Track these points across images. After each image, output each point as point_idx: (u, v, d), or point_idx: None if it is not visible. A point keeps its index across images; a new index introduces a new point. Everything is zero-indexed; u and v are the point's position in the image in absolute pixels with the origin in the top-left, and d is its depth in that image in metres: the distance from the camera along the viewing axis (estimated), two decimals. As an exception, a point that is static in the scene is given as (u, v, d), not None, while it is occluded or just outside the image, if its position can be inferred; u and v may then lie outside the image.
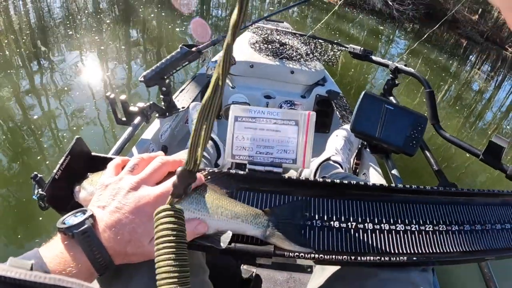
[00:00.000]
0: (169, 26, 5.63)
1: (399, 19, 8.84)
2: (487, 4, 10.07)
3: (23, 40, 4.38)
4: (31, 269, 0.33)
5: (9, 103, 3.00)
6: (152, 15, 6.14)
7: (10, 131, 2.72)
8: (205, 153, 1.14)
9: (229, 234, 0.50)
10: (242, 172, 0.59)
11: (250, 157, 0.59)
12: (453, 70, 7.03)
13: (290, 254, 0.51)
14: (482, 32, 9.94)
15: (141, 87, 3.50)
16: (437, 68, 6.64)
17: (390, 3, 8.93)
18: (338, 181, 0.59)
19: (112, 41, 4.72)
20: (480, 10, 10.37)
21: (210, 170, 0.57)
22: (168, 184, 0.48)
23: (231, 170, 0.59)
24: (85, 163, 0.61)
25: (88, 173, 0.57)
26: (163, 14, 6.25)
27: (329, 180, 0.59)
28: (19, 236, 1.85)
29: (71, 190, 0.56)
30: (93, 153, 0.63)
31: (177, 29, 5.53)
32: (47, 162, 2.44)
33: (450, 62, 7.39)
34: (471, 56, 8.82)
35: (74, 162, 0.58)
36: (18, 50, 4.08)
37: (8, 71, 3.49)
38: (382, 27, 8.47)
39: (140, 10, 6.30)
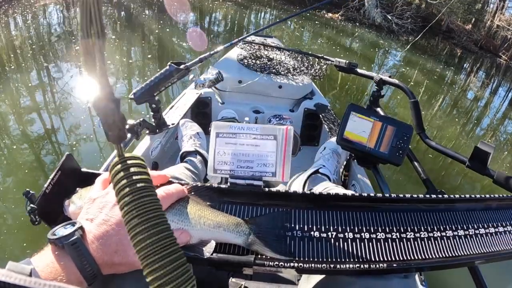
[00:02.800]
0: (176, 42, 5.72)
1: (398, 32, 9.01)
2: (480, 14, 10.26)
3: (23, 55, 4.40)
4: (30, 274, 0.34)
5: (7, 118, 3.02)
6: (157, 31, 6.21)
7: (6, 147, 2.72)
8: (193, 169, 1.15)
9: (212, 244, 0.52)
10: (224, 186, 0.60)
11: (231, 171, 0.60)
12: (449, 79, 7.12)
13: (270, 263, 0.52)
14: (476, 41, 10.11)
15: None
16: (433, 78, 6.72)
17: (390, 18, 9.10)
18: (317, 192, 0.60)
19: (114, 57, 4.76)
20: (473, 19, 10.56)
21: (194, 185, 0.58)
22: None
23: (213, 184, 0.60)
24: (75, 178, 0.62)
25: (78, 188, 0.58)
26: (167, 30, 6.33)
27: (308, 192, 0.60)
28: (12, 251, 1.83)
29: (61, 204, 0.57)
30: (82, 169, 0.64)
31: (184, 44, 5.59)
32: (45, 177, 2.44)
33: (446, 71, 7.50)
34: (466, 65, 8.94)
35: (64, 177, 0.60)
36: (19, 65, 4.10)
37: (7, 86, 3.51)
38: (382, 41, 8.60)
39: (144, 25, 6.37)
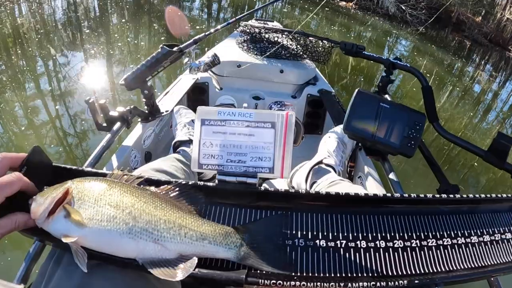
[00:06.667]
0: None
1: (412, 23, 8.92)
2: (491, 6, 10.14)
3: (29, 42, 4.32)
4: None
5: (13, 106, 2.96)
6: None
7: (15, 135, 2.68)
8: (185, 160, 1.05)
9: (193, 261, 0.42)
10: (211, 184, 0.50)
11: (220, 166, 0.50)
12: (457, 70, 7.01)
13: (266, 281, 0.43)
14: (485, 34, 9.95)
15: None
16: (442, 69, 6.61)
17: (403, 8, 9.01)
18: (324, 192, 0.50)
19: (120, 44, 4.68)
20: (484, 11, 10.39)
21: (176, 183, 0.49)
22: None
23: (199, 182, 0.50)
24: (45, 174, 0.53)
25: (45, 186, 0.49)
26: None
27: (313, 191, 0.50)
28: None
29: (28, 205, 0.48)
30: (54, 164, 0.55)
31: (191, 32, 5.45)
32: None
33: (455, 63, 7.38)
34: (474, 57, 8.81)
35: (31, 174, 0.50)
36: (24, 52, 4.03)
37: (14, 74, 3.45)
38: (395, 30, 8.51)
39: (152, 15, 6.24)
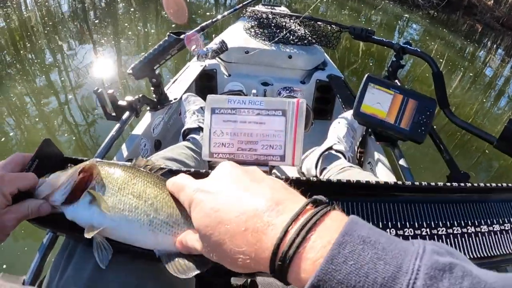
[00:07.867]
0: (192, 16, 5.55)
1: (423, 6, 8.74)
2: None
3: (37, 36, 4.33)
4: (23, 284, 0.33)
5: (23, 99, 2.98)
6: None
7: (26, 129, 2.70)
8: (194, 147, 1.06)
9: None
10: None
11: (231, 154, 0.50)
12: (468, 55, 6.87)
13: None
14: (497, 18, 9.71)
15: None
16: (453, 54, 6.48)
17: None
18: (334, 179, 0.50)
19: (130, 33, 4.68)
20: None
21: (188, 172, 0.49)
22: None
23: (210, 171, 0.51)
24: (56, 166, 0.53)
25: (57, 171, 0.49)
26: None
27: (324, 179, 0.50)
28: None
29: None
30: (65, 156, 0.55)
31: (198, 20, 5.40)
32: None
33: (466, 47, 7.23)
34: (486, 41, 8.60)
35: (43, 166, 0.51)
36: (33, 45, 4.04)
37: (23, 67, 3.48)
38: (407, 14, 8.38)
39: (160, 3, 6.22)
